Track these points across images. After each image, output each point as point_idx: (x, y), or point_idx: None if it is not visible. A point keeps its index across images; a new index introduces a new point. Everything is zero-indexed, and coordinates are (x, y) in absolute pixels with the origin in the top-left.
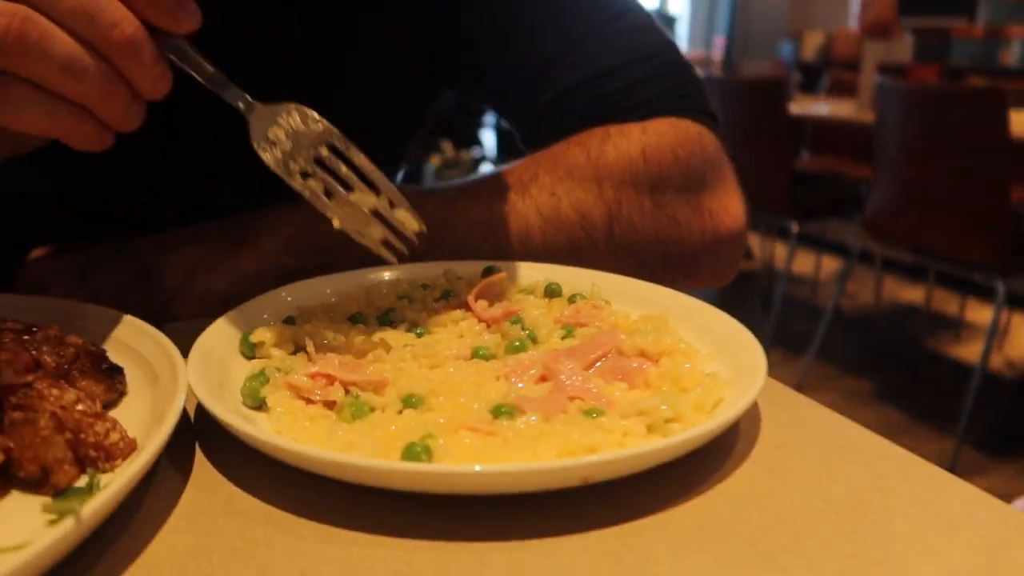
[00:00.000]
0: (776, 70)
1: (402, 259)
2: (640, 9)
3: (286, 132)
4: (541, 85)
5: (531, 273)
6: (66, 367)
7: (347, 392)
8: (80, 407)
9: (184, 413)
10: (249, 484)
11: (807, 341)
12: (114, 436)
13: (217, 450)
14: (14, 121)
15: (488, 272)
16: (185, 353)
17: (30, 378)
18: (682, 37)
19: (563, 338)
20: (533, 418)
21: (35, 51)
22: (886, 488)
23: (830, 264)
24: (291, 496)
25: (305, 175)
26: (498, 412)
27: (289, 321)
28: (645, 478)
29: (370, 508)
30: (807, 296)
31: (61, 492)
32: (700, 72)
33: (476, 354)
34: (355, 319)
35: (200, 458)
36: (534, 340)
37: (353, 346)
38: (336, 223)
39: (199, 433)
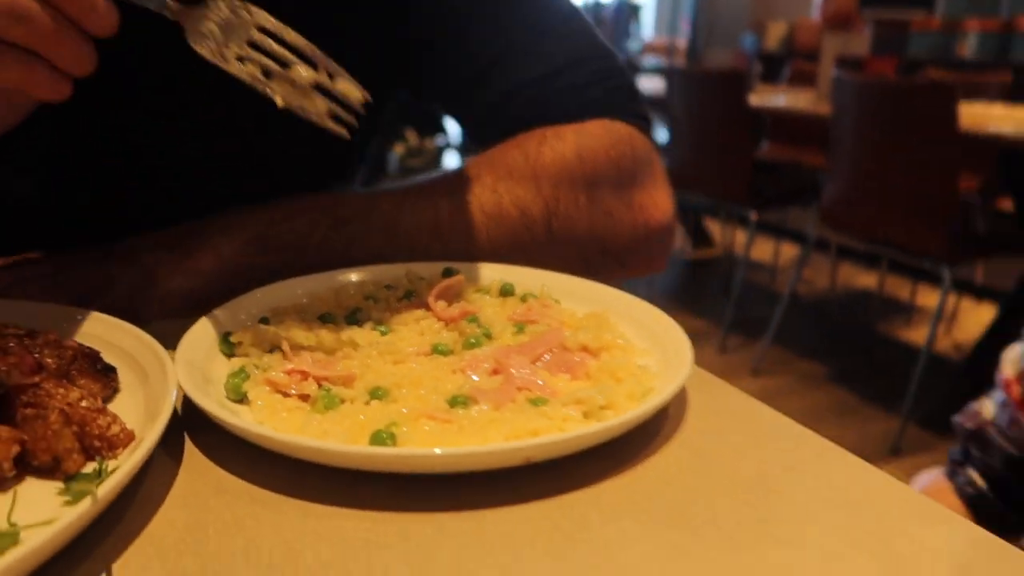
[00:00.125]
0: (738, 61)
1: (351, 131)
2: (581, 16)
3: (217, 24)
4: (484, 87)
5: (487, 273)
6: (66, 368)
7: (320, 386)
8: (84, 403)
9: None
10: (235, 468)
11: (765, 325)
12: (115, 428)
13: (205, 439)
14: None
15: (447, 273)
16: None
17: (37, 379)
18: (647, 25)
19: (515, 334)
20: (485, 407)
21: None
22: (788, 464)
23: (789, 251)
24: (273, 478)
25: (241, 60)
26: (454, 402)
27: (264, 321)
28: (581, 458)
29: (342, 486)
30: (766, 282)
31: (71, 477)
32: (664, 61)
33: (435, 350)
34: (325, 318)
35: (190, 446)
36: (489, 336)
37: (324, 345)
38: (279, 101)
39: (187, 424)
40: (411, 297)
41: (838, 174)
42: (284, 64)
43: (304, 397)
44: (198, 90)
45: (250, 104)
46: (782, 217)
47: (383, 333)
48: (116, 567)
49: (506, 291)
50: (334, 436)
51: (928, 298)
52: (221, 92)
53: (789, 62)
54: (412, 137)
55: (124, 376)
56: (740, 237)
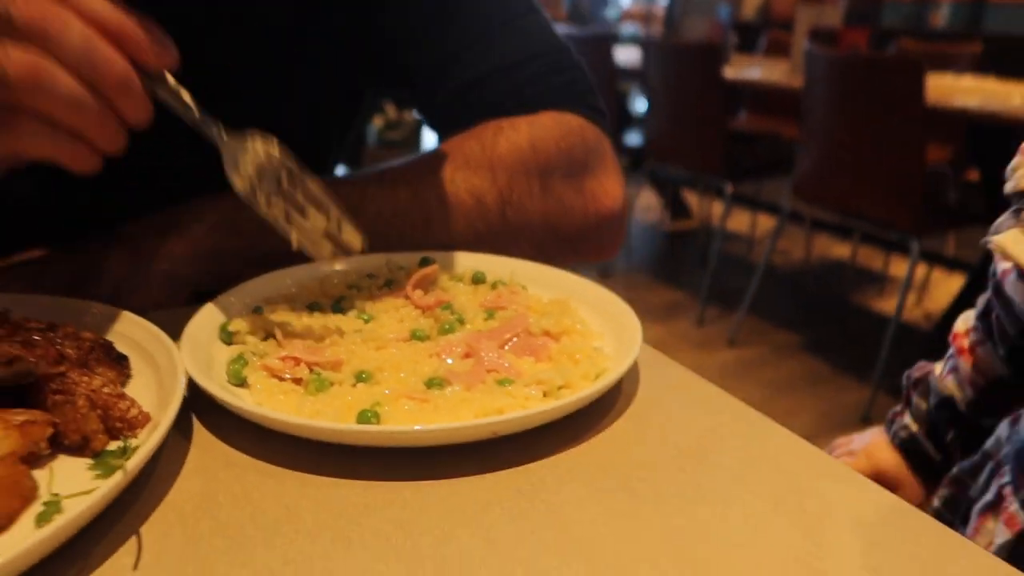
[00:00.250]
0: (714, 31)
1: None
2: (538, 11)
3: (253, 164)
4: (443, 81)
5: (461, 261)
6: (85, 357)
7: (311, 371)
8: (106, 390)
9: None
10: (240, 444)
11: (742, 296)
12: (134, 411)
13: (211, 419)
14: (24, 147)
15: (424, 263)
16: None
17: (63, 368)
18: None
19: (486, 320)
20: (458, 388)
21: (44, 90)
22: (722, 434)
23: (766, 222)
24: (273, 452)
25: (269, 201)
26: (431, 384)
27: (257, 310)
28: (541, 432)
29: (334, 459)
30: (743, 253)
31: (98, 455)
32: (641, 29)
33: (413, 336)
34: (312, 307)
35: (198, 425)
36: (462, 322)
37: (313, 333)
38: (294, 243)
39: (193, 405)
40: (391, 285)
41: (810, 147)
42: (303, 211)
43: (297, 381)
44: (196, 98)
45: (244, 113)
46: (757, 189)
47: (366, 320)
48: (143, 530)
49: (478, 279)
50: (325, 415)
51: (900, 269)
52: (218, 99)
53: (765, 32)
54: (391, 110)
55: (135, 363)
56: (717, 209)
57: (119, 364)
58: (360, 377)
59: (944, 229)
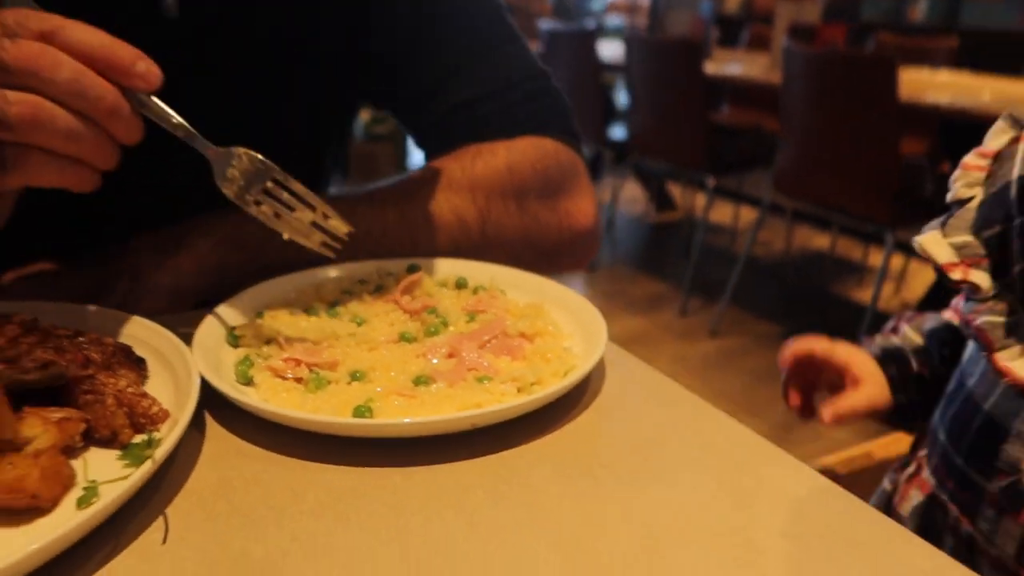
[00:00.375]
0: (695, 26)
1: (337, 253)
2: (518, 40)
3: (240, 172)
4: (428, 105)
5: (445, 268)
6: (108, 360)
7: (311, 370)
8: (130, 389)
9: None
10: (249, 436)
11: (724, 287)
12: (155, 408)
13: (223, 414)
14: (32, 179)
15: (411, 269)
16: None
17: (91, 371)
18: None
19: (467, 323)
20: (442, 385)
21: (44, 127)
22: (675, 424)
23: (748, 214)
24: (279, 443)
25: (257, 203)
26: (418, 381)
27: (259, 315)
28: (515, 423)
29: (333, 449)
30: (726, 244)
31: (126, 447)
32: (626, 21)
33: (402, 338)
34: (310, 311)
35: (210, 420)
36: (446, 325)
37: (312, 336)
38: (285, 236)
39: (206, 402)
40: (380, 290)
41: (789, 142)
42: (290, 207)
43: (298, 380)
44: (192, 102)
45: (238, 122)
46: (740, 181)
47: (359, 324)
48: (168, 511)
49: (460, 284)
50: (324, 410)
51: (879, 259)
52: (218, 100)
53: (748, 26)
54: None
55: (151, 365)
56: (701, 200)
57: (138, 366)
58: (355, 376)
59: (921, 221)
